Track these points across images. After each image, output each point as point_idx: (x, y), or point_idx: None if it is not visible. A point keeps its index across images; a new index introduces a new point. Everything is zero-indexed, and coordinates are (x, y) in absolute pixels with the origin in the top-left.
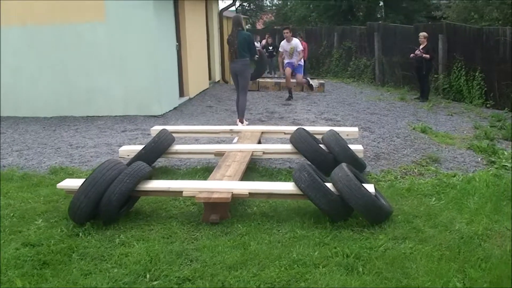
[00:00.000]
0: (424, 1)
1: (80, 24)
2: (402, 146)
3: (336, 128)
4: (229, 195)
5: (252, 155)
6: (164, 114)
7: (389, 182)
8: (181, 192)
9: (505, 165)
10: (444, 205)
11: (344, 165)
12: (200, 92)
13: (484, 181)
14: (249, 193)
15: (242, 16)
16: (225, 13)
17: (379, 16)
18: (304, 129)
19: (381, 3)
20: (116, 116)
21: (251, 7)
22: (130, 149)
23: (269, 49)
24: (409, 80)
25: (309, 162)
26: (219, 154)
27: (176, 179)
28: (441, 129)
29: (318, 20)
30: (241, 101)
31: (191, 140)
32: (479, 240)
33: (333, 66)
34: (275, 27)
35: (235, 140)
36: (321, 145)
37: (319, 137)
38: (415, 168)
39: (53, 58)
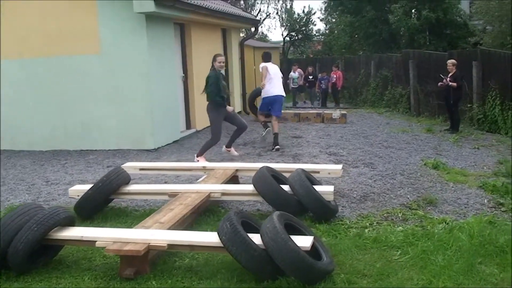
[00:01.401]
0: (469, 27)
1: (75, 56)
2: (400, 185)
3: (319, 166)
4: (143, 247)
5: (209, 196)
6: (159, 148)
7: (360, 229)
8: (95, 242)
9: None
10: (407, 261)
11: (275, 214)
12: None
13: (470, 230)
14: (168, 245)
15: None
16: (249, 43)
17: (422, 43)
18: (268, 168)
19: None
20: (109, 150)
21: (299, 37)
22: (80, 189)
23: (309, 78)
24: (444, 110)
25: (238, 210)
26: (173, 195)
27: (126, 222)
28: (458, 165)
29: (358, 48)
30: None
31: (163, 178)
32: None
33: (370, 95)
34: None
35: (200, 179)
36: (285, 186)
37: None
38: (400, 213)
39: (49, 91)
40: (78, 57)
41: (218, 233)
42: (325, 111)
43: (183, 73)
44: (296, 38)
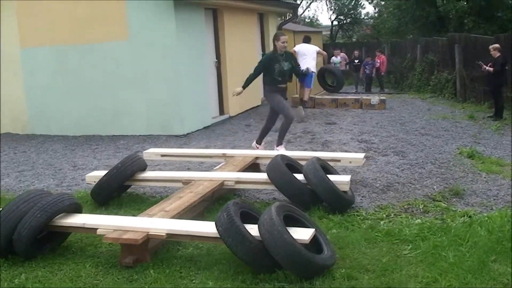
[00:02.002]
0: None
1: (104, 42)
2: (428, 175)
3: (340, 154)
4: (142, 236)
5: (222, 184)
6: (188, 134)
7: (375, 221)
8: (96, 229)
9: None
10: (416, 256)
11: (274, 205)
12: (247, 110)
13: (490, 224)
14: (167, 234)
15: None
16: (289, 27)
17: (470, 26)
18: (283, 156)
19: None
20: (140, 135)
21: (347, 21)
22: (97, 175)
23: (355, 62)
24: (490, 96)
25: (237, 200)
26: (187, 182)
27: (140, 209)
28: (496, 154)
29: (406, 32)
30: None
31: (187, 165)
32: None
33: (415, 80)
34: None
35: (217, 166)
36: (299, 175)
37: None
38: (422, 204)
39: (80, 77)
40: (107, 44)
41: (215, 224)
42: (363, 97)
43: (216, 58)
44: (345, 22)
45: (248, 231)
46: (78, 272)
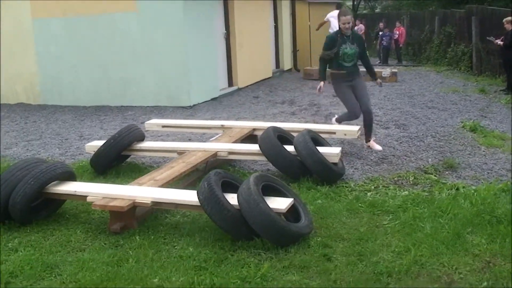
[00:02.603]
0: None
1: (114, 13)
2: (426, 148)
3: (334, 127)
4: (128, 204)
5: (216, 155)
6: (195, 105)
7: (362, 192)
8: (86, 197)
9: None
10: (394, 226)
11: (253, 175)
12: (257, 82)
13: (475, 198)
14: (152, 202)
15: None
16: None
17: None
18: (275, 128)
19: None
20: (147, 106)
21: None
22: (96, 145)
23: (380, 34)
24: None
25: (219, 170)
26: (181, 152)
27: (136, 178)
28: (500, 128)
29: (426, 3)
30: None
31: (189, 136)
32: (388, 279)
33: (433, 52)
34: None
35: (214, 137)
36: (290, 147)
37: None
38: (412, 176)
39: (91, 49)
40: (117, 15)
41: (197, 193)
42: (375, 69)
43: (225, 30)
44: None
45: (227, 200)
46: (69, 238)
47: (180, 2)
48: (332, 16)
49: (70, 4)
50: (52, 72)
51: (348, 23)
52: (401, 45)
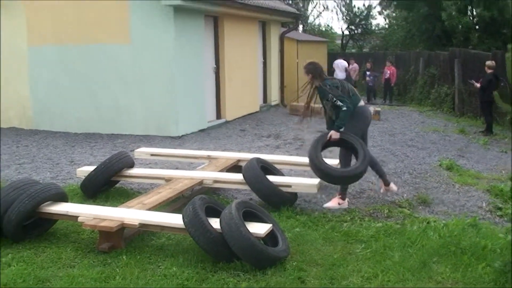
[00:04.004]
0: None
1: (107, 44)
2: (402, 184)
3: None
4: (117, 224)
5: (202, 183)
6: (183, 135)
7: (339, 223)
8: (77, 217)
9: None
10: (366, 254)
11: (235, 201)
12: (244, 115)
13: (443, 231)
14: (140, 224)
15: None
16: (293, 36)
17: (475, 42)
18: (258, 159)
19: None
20: (137, 135)
21: (358, 31)
22: (87, 170)
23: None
24: None
25: (204, 196)
26: (169, 179)
27: (124, 202)
28: (476, 167)
29: (412, 44)
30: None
31: (177, 164)
32: None
33: (417, 93)
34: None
35: (201, 166)
36: (273, 176)
37: (281, 167)
38: (387, 210)
39: (84, 76)
40: (110, 46)
41: (182, 216)
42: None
43: (215, 64)
44: (355, 32)
45: (210, 223)
46: (59, 255)
47: (171, 35)
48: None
49: (66, 33)
50: (45, 98)
51: None
52: (392, 84)
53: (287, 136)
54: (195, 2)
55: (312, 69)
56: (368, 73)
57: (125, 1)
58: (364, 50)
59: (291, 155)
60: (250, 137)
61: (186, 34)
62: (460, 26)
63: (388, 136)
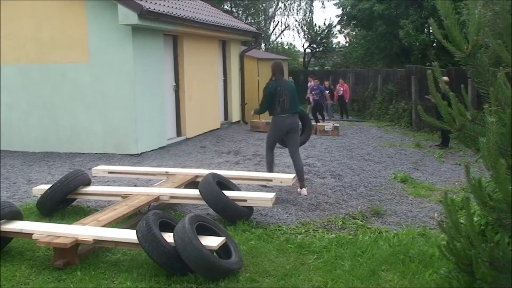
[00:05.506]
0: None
1: (66, 63)
2: (357, 197)
3: (272, 175)
4: (71, 241)
5: (158, 199)
6: (142, 153)
7: (293, 235)
8: (32, 234)
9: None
10: (317, 264)
11: (188, 215)
12: (205, 132)
13: (393, 240)
14: (94, 240)
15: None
16: (253, 54)
17: (432, 58)
18: (214, 175)
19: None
20: (96, 153)
21: (320, 49)
22: (43, 188)
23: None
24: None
25: (158, 211)
26: (126, 196)
27: (80, 219)
28: (430, 180)
29: (371, 62)
30: (300, 162)
31: (135, 181)
32: None
33: (376, 109)
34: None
35: (158, 182)
36: (229, 191)
37: (238, 182)
38: (341, 221)
39: (42, 96)
40: (69, 65)
41: (136, 231)
42: (318, 124)
43: (175, 82)
44: (317, 50)
45: (163, 238)
46: (14, 272)
47: (130, 54)
48: None
49: (24, 52)
50: (2, 118)
51: None
52: (347, 101)
53: (246, 152)
54: (152, 21)
55: (272, 67)
56: (314, 87)
57: (84, 20)
58: (326, 67)
59: (249, 170)
60: (210, 153)
61: (145, 53)
62: (418, 43)
63: (346, 151)
